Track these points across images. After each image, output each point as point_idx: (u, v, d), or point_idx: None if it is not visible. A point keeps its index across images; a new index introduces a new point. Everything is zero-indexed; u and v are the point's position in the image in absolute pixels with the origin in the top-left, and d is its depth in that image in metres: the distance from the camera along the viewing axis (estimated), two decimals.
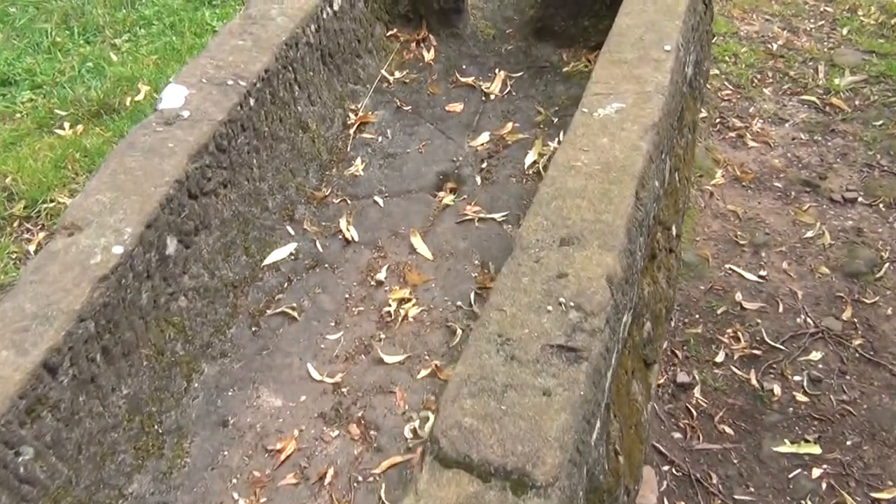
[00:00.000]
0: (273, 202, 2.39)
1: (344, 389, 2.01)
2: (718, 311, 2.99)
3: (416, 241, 2.43)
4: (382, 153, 2.82)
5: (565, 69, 3.17)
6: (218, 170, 2.12)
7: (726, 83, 4.26)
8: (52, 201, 3.58)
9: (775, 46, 4.51)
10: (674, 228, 2.47)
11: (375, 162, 2.78)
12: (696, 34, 2.77)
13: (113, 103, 4.08)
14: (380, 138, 2.88)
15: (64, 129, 3.97)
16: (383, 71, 3.15)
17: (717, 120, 4.00)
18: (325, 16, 2.72)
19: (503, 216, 2.53)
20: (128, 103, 4.12)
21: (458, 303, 2.25)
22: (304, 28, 2.56)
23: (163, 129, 2.04)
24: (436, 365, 2.04)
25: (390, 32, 3.29)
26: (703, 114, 3.80)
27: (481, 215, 2.53)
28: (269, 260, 2.30)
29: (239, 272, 2.17)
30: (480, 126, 2.97)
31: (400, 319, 2.20)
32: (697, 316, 2.98)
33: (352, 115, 2.92)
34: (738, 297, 3.06)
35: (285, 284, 2.28)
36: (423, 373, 2.05)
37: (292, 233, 2.42)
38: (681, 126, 2.53)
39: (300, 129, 2.58)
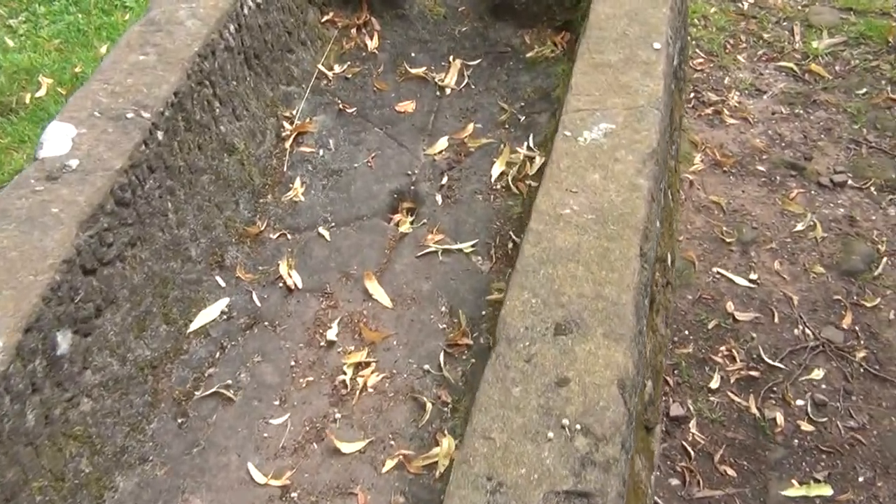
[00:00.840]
0: (197, 249, 1.99)
1: (294, 494, 1.67)
2: (710, 326, 2.71)
3: (372, 286, 2.06)
4: (325, 170, 2.41)
5: (529, 54, 2.78)
6: (122, 229, 1.71)
7: (698, 50, 3.91)
8: None
9: (746, 5, 4.16)
10: (669, 257, 2.15)
11: (317, 182, 2.38)
12: (680, 17, 2.40)
13: (9, 102, 3.55)
14: (321, 151, 2.47)
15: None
16: (320, 66, 2.71)
17: (692, 94, 3.66)
18: (245, 11, 2.27)
19: (471, 246, 2.17)
20: (27, 101, 3.60)
21: (426, 366, 1.90)
22: (221, 31, 2.11)
23: (44, 186, 1.61)
24: (403, 454, 1.70)
25: (326, 18, 2.84)
26: None
27: (445, 246, 2.17)
28: (195, 324, 1.91)
29: (158, 347, 1.78)
30: (437, 128, 2.57)
31: (357, 391, 1.84)
32: (687, 332, 2.69)
33: (287, 125, 2.50)
34: (730, 306, 2.78)
35: (217, 354, 1.89)
36: (389, 464, 1.71)
37: (223, 284, 2.03)
38: (672, 133, 2.19)
39: (225, 152, 2.16)
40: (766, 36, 3.96)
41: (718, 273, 2.93)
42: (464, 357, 1.91)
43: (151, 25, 2.02)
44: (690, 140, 3.44)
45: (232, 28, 2.17)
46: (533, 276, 1.46)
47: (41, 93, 3.62)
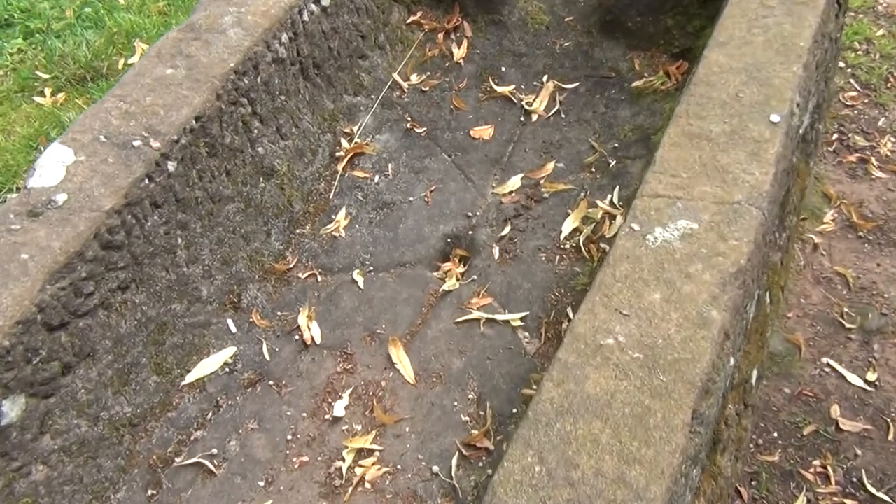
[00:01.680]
0: (210, 288, 1.78)
1: None
2: (805, 431, 2.28)
3: (397, 354, 1.80)
4: (376, 201, 2.15)
5: (636, 84, 2.38)
6: (109, 274, 1.52)
7: (852, 81, 3.34)
8: (18, 189, 3.07)
9: None
10: (755, 374, 1.76)
11: (364, 215, 2.12)
12: (820, 71, 1.95)
13: (101, 66, 3.49)
14: (376, 178, 2.21)
15: (45, 96, 3.41)
16: (396, 75, 2.43)
17: (835, 135, 3.13)
18: (305, 17, 2.01)
19: (520, 319, 1.86)
20: (120, 66, 3.52)
21: (435, 467, 1.63)
22: (269, 41, 1.87)
23: (22, 225, 1.43)
24: None
25: (412, 19, 2.55)
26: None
27: (491, 314, 1.87)
28: (192, 376, 1.72)
29: (143, 402, 1.60)
30: (512, 162, 2.25)
31: (352, 485, 1.60)
32: (776, 435, 2.28)
33: (344, 142, 2.24)
34: (835, 411, 2.33)
35: (209, 414, 1.70)
36: None
37: (233, 329, 1.82)
38: (782, 220, 1.77)
39: (261, 176, 1.94)
40: None
41: (828, 365, 2.47)
42: (480, 464, 1.63)
43: (190, 32, 1.80)
44: (823, 192, 2.94)
45: (285, 37, 1.92)
46: (545, 432, 1.15)
47: (134, 58, 3.53)
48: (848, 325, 2.56)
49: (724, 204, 1.44)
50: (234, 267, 1.84)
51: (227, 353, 1.77)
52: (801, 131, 1.77)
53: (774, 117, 1.58)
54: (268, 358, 1.79)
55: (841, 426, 2.31)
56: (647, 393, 1.18)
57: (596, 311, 1.30)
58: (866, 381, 2.44)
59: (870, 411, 2.35)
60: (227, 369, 1.76)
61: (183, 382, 1.70)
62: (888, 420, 2.32)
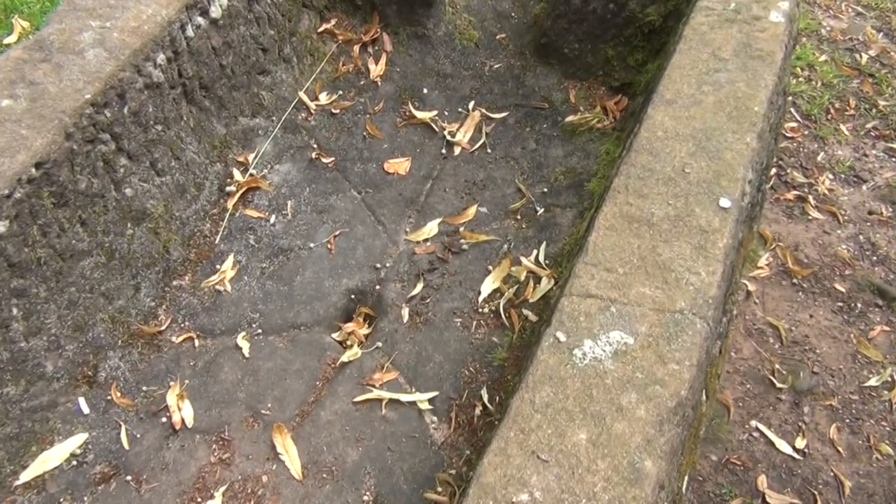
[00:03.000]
0: (56, 362, 1.48)
1: None
2: None
3: (282, 443, 1.54)
4: (270, 248, 1.87)
5: (570, 118, 2.15)
6: None
7: (792, 110, 3.20)
8: None
9: (865, 58, 3.41)
10: (685, 481, 1.57)
11: (255, 265, 1.84)
12: (773, 133, 1.75)
13: None
14: (272, 218, 1.92)
15: None
16: (302, 93, 2.13)
17: (773, 169, 2.98)
18: (189, 32, 1.69)
19: (428, 401, 1.62)
20: None
21: None
22: (139, 66, 1.55)
23: None
24: None
25: (324, 27, 2.24)
26: None
27: (395, 394, 1.62)
28: (27, 474, 1.42)
29: None
30: (430, 204, 2.00)
31: None
32: None
33: (237, 174, 1.94)
34: (762, 482, 2.19)
35: None
36: None
37: (86, 410, 1.53)
38: (725, 307, 1.58)
39: (129, 222, 1.63)
40: (881, 104, 3.23)
41: (757, 429, 2.33)
42: None
43: (38, 51, 1.47)
44: (760, 232, 2.79)
45: (161, 58, 1.60)
46: None
47: (11, 38, 3.11)
48: (779, 385, 2.43)
49: (664, 312, 1.22)
50: (90, 333, 1.54)
51: (75, 442, 1.48)
52: (749, 204, 1.57)
53: (724, 201, 1.37)
54: (126, 446, 1.51)
55: (767, 499, 2.18)
56: None
57: (509, 452, 1.07)
58: (795, 449, 2.31)
59: (797, 482, 2.22)
60: (74, 462, 1.47)
61: (16, 482, 1.40)
62: (815, 493, 2.20)
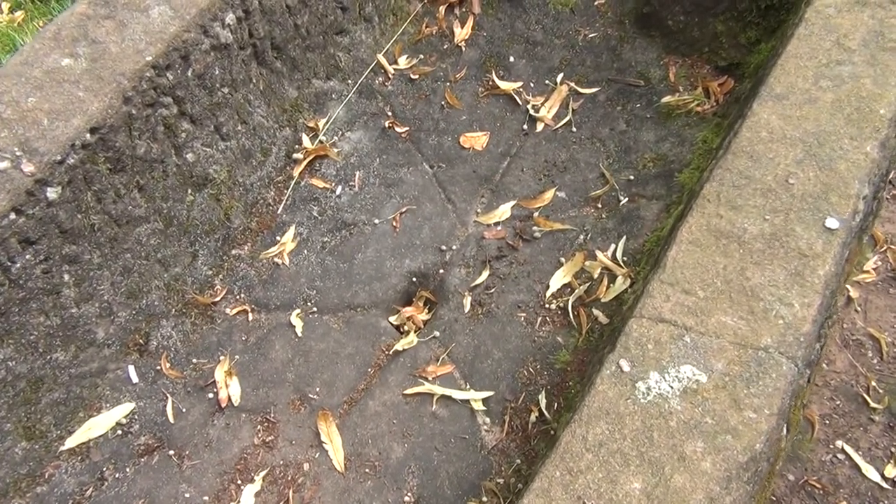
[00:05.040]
0: (108, 329, 1.46)
1: None
2: None
3: (327, 430, 1.49)
4: (334, 220, 1.79)
5: (667, 99, 1.97)
6: None
7: None
8: None
9: None
10: None
11: (317, 238, 1.77)
12: None
13: None
14: (339, 189, 1.84)
15: (2, 11, 3.02)
16: (381, 56, 2.02)
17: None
18: None
19: (483, 400, 1.53)
20: None
21: None
22: (205, 26, 1.48)
23: None
24: None
25: None
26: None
27: (449, 389, 1.54)
28: (73, 440, 1.42)
29: (5, 476, 1.30)
30: (505, 184, 1.87)
31: None
32: None
33: (306, 140, 1.86)
34: None
35: (89, 490, 1.40)
36: None
37: (134, 379, 1.51)
38: (820, 331, 1.40)
39: (189, 188, 1.58)
40: None
41: (843, 451, 2.14)
42: None
43: (102, 7, 1.41)
44: (870, 232, 2.53)
45: (230, 18, 1.52)
46: None
47: None
48: (873, 404, 2.22)
49: (746, 348, 1.08)
50: (143, 300, 1.51)
51: (122, 411, 1.46)
52: (862, 222, 1.38)
53: (831, 222, 1.19)
54: (171, 420, 1.49)
55: None
56: None
57: (553, 494, 0.97)
58: (884, 477, 2.11)
59: None
60: (119, 431, 1.46)
61: (62, 448, 1.40)
62: None
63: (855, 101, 1.35)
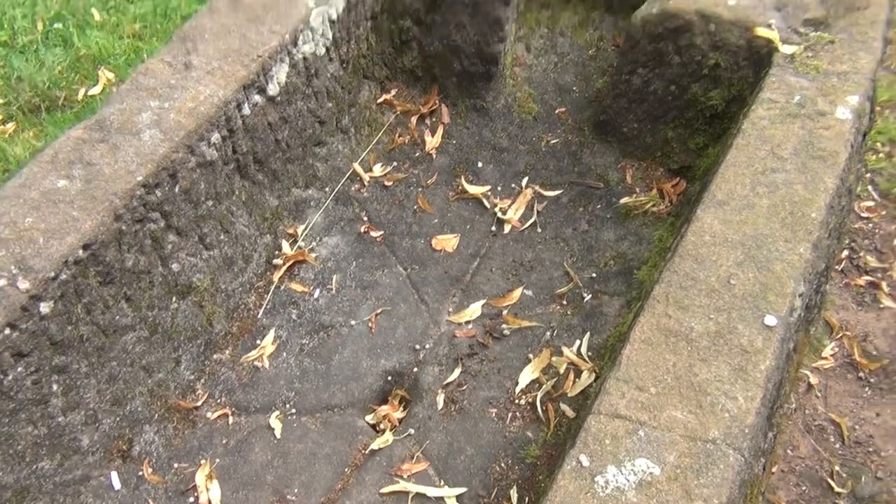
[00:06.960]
0: (92, 436, 1.51)
1: None
2: None
3: None
4: (312, 323, 1.88)
5: (625, 200, 2.11)
6: None
7: (870, 188, 3.05)
8: None
9: None
10: None
11: (295, 341, 1.85)
12: (833, 235, 1.67)
13: (59, 97, 3.22)
14: (316, 293, 1.93)
15: None
16: (357, 164, 2.16)
17: (845, 251, 2.83)
18: (246, 111, 1.73)
19: (456, 497, 1.58)
20: (79, 96, 3.25)
21: None
22: (192, 146, 1.59)
23: None
24: None
25: (383, 97, 2.27)
26: None
27: (423, 489, 1.59)
28: None
29: None
30: (475, 284, 1.97)
31: None
32: None
33: (285, 246, 1.97)
34: None
35: None
36: None
37: (117, 486, 1.55)
38: (770, 421, 1.49)
39: (174, 296, 1.66)
40: None
41: None
42: None
43: (97, 131, 1.53)
44: (826, 319, 2.65)
45: (216, 137, 1.65)
46: None
47: (96, 89, 3.26)
48: (837, 489, 2.28)
49: (696, 441, 1.16)
50: (127, 406, 1.57)
51: None
52: (801, 316, 1.49)
53: (770, 319, 1.30)
54: None
55: None
56: None
57: None
58: None
59: None
60: None
61: None
62: None
63: (789, 206, 1.48)
